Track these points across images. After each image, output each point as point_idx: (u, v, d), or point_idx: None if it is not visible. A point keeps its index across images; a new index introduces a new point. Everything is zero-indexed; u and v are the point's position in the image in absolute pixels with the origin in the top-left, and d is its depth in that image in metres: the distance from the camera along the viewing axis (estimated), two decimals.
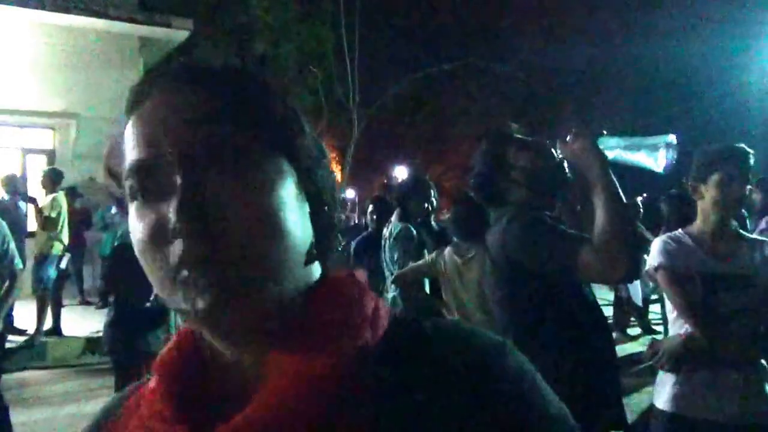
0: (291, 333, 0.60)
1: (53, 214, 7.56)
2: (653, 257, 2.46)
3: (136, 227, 0.59)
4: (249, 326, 0.59)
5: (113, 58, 10.28)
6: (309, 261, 0.64)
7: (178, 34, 10.85)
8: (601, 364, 2.15)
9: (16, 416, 4.28)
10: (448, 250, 3.70)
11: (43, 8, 9.45)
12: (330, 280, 0.67)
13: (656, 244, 2.48)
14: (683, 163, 2.46)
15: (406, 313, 4.14)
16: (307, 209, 0.64)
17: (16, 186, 7.66)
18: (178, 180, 0.56)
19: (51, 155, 10.26)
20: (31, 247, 7.55)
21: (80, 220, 8.94)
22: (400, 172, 25.55)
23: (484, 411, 0.58)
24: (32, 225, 7.80)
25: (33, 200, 7.67)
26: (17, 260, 4.08)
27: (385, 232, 4.50)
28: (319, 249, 0.66)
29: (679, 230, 2.52)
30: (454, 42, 18.72)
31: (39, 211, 7.54)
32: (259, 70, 0.67)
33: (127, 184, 0.60)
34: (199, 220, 0.55)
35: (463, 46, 18.42)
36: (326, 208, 0.67)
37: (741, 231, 2.48)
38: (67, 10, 9.60)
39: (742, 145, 2.41)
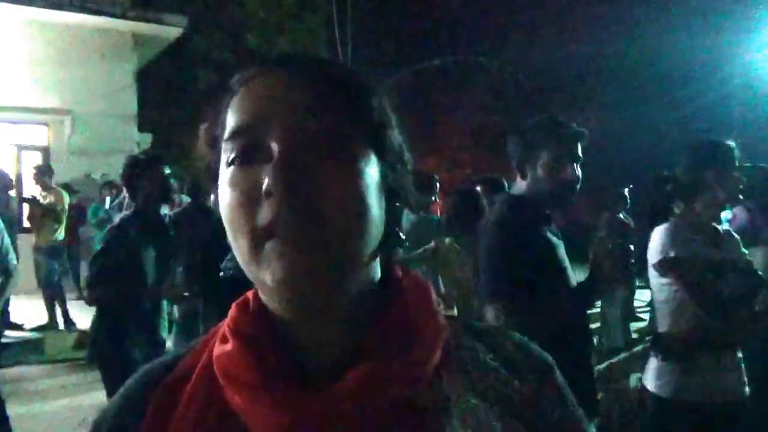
0: (380, 321, 0.64)
1: (59, 208, 7.73)
2: (658, 246, 2.51)
3: (228, 192, 0.61)
4: (323, 297, 0.60)
5: (107, 55, 10.30)
6: (380, 249, 0.66)
7: (171, 30, 10.88)
8: (578, 360, 2.20)
9: (13, 409, 4.32)
10: (449, 240, 3.71)
11: (37, 5, 9.46)
12: (397, 276, 0.70)
13: (662, 234, 2.52)
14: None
15: None
16: (384, 202, 0.65)
17: (5, 182, 7.72)
18: (277, 147, 0.58)
19: (46, 151, 10.27)
20: (25, 242, 7.62)
21: (76, 217, 8.99)
22: None
23: (539, 418, 0.66)
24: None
25: (33, 199, 7.73)
26: (12, 255, 4.13)
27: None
28: (387, 243, 0.67)
29: (677, 220, 2.57)
30: (445, 37, 18.77)
31: (39, 205, 7.63)
32: (357, 67, 0.70)
33: (226, 147, 0.62)
34: (294, 183, 0.56)
35: (455, 42, 18.49)
36: (399, 204, 0.69)
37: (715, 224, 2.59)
38: (60, 7, 9.60)
39: (728, 141, 2.51)
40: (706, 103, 16.88)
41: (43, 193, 7.73)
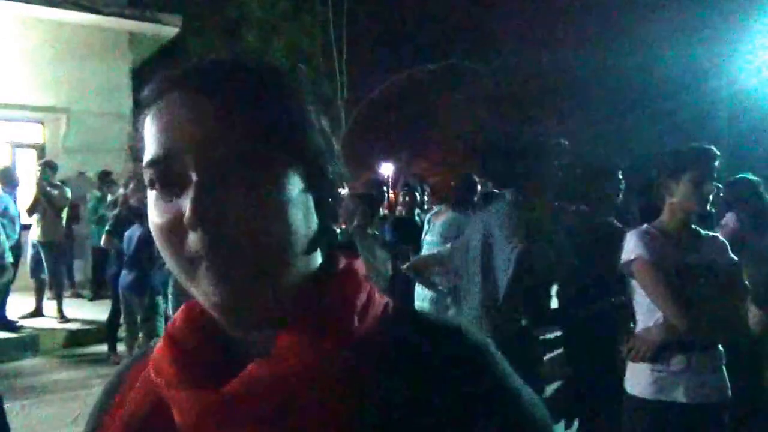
0: (298, 316, 0.64)
1: (62, 203, 7.91)
2: (630, 250, 2.56)
3: (154, 214, 0.63)
4: (258, 313, 0.63)
5: (103, 53, 10.30)
6: (311, 250, 0.67)
7: (167, 29, 10.90)
8: None
9: (9, 404, 4.37)
10: None
11: (34, 2, 9.46)
12: (331, 269, 0.70)
13: (631, 238, 2.59)
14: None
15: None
16: (312, 201, 0.67)
17: (12, 179, 7.79)
18: (194, 177, 0.60)
19: (41, 149, 10.25)
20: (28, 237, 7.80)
21: (71, 214, 9.03)
22: (386, 168, 25.73)
23: (471, 404, 0.63)
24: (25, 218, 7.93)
25: (45, 193, 7.83)
26: (8, 254, 4.19)
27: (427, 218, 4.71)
28: (321, 238, 0.69)
29: (646, 225, 2.63)
30: (440, 41, 18.88)
31: (49, 200, 7.73)
32: (277, 62, 0.70)
33: (147, 173, 0.63)
34: (211, 216, 0.58)
35: (449, 45, 18.60)
36: (330, 199, 0.70)
37: (697, 228, 2.63)
38: (57, 5, 9.60)
39: (712, 146, 2.56)
40: (694, 113, 17.01)
41: (48, 189, 7.81)
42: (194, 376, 0.64)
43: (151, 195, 0.64)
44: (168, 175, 0.62)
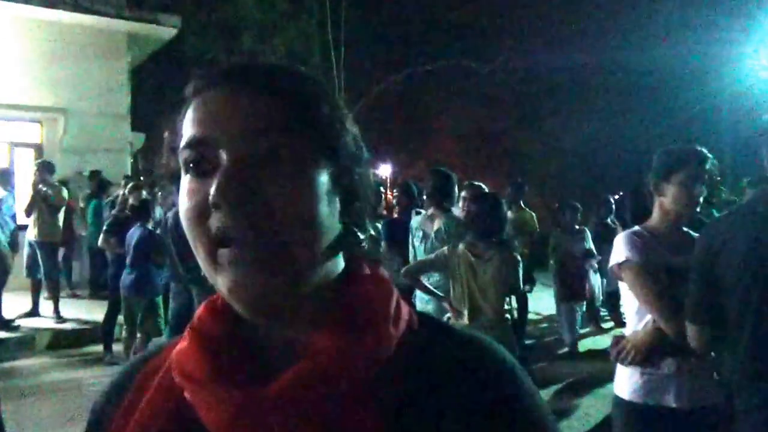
0: (332, 317, 0.65)
1: (58, 203, 7.88)
2: (619, 253, 2.52)
3: (184, 200, 0.64)
4: (278, 304, 0.63)
5: (101, 54, 10.32)
6: (335, 249, 0.68)
7: (165, 30, 10.93)
8: None
9: (6, 404, 4.36)
10: (461, 247, 3.67)
11: (32, 3, 9.48)
12: (359, 274, 0.71)
13: (620, 240, 2.56)
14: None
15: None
16: (338, 203, 0.67)
17: (9, 179, 7.79)
18: (224, 159, 0.61)
19: (39, 149, 10.26)
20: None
21: (68, 214, 9.03)
22: (384, 169, 25.78)
23: (494, 421, 0.64)
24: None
25: (41, 193, 7.82)
26: (4, 246, 4.18)
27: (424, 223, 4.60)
28: (345, 241, 0.69)
29: (637, 227, 2.60)
30: (438, 41, 18.88)
31: (45, 200, 7.73)
32: (313, 72, 0.72)
33: (182, 155, 0.65)
34: (235, 195, 0.59)
35: (447, 46, 18.60)
36: (357, 203, 0.70)
37: (688, 230, 2.60)
38: (55, 6, 9.62)
39: (703, 148, 2.53)
40: (698, 112, 17.03)
41: (45, 189, 7.81)
42: (226, 373, 0.64)
43: (184, 182, 0.65)
44: (202, 157, 0.63)
